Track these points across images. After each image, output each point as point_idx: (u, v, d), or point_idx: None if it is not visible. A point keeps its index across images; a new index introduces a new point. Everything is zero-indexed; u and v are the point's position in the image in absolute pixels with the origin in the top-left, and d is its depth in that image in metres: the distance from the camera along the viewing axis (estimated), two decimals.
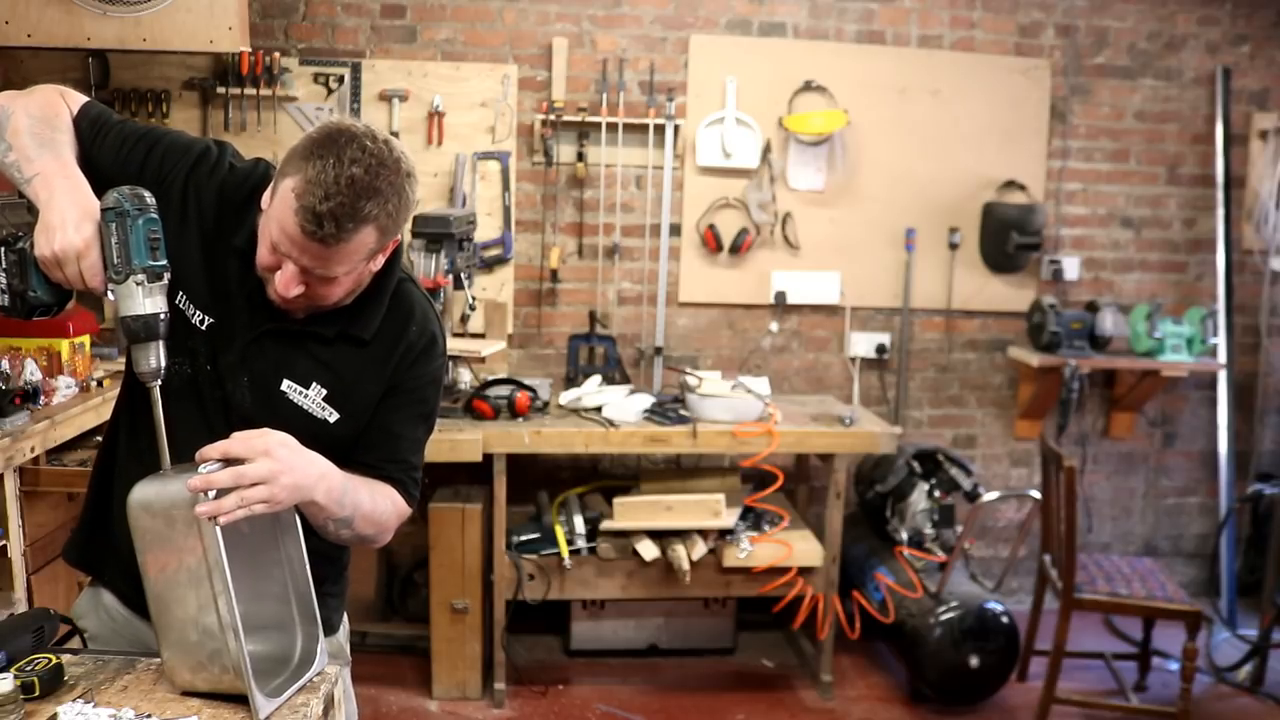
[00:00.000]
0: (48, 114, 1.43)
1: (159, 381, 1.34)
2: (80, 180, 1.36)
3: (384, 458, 1.55)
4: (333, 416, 1.50)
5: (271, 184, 1.38)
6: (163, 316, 1.32)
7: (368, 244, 1.36)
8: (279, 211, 1.34)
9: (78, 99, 1.49)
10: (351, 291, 1.46)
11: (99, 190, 1.35)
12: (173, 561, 1.27)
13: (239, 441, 1.30)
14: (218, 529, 1.23)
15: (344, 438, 1.52)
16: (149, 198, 1.32)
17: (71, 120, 1.45)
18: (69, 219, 1.30)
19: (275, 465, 1.30)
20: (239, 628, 1.23)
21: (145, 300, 1.30)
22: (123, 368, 1.77)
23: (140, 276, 1.30)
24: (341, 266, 1.37)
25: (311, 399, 1.49)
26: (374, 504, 1.50)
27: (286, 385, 1.48)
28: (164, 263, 1.32)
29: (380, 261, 1.46)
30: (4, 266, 1.34)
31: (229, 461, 1.29)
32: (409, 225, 3.59)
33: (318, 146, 1.32)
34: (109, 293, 1.32)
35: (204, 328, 1.45)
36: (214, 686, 1.29)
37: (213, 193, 1.47)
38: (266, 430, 1.34)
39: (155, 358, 1.33)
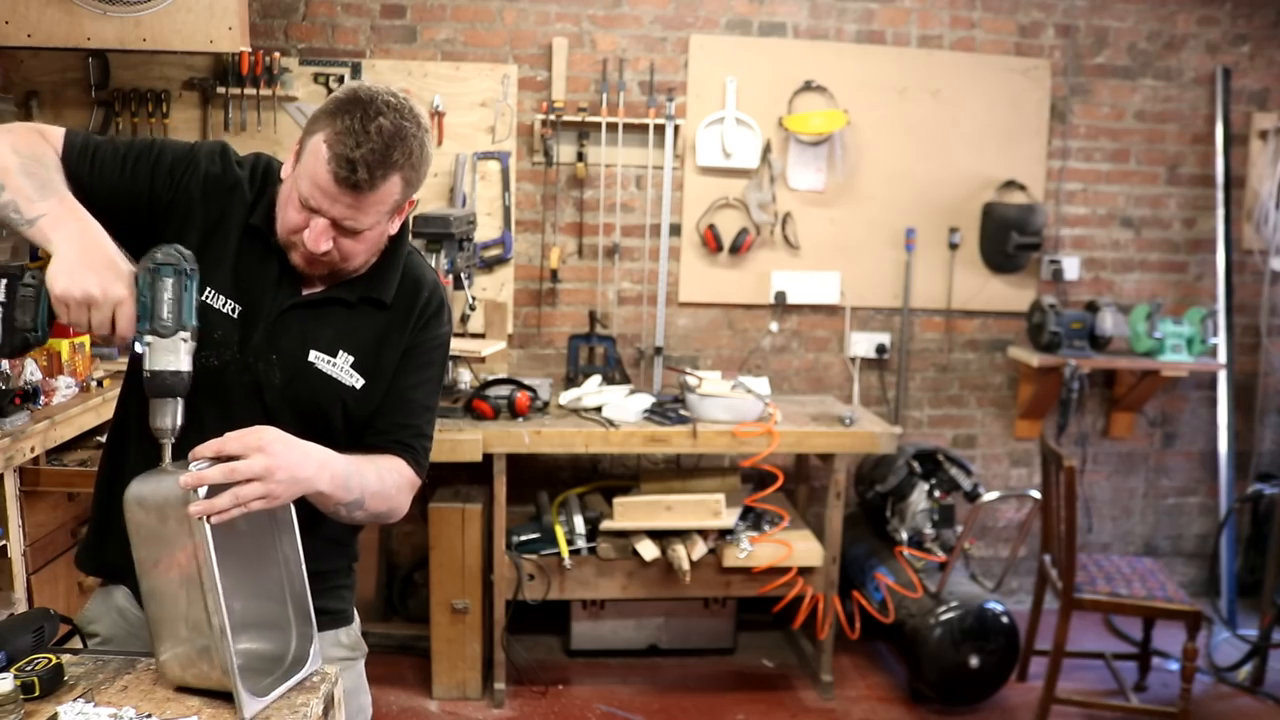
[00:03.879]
0: (35, 151, 1.42)
1: (172, 440, 1.34)
2: (94, 223, 1.36)
3: (396, 422, 1.58)
4: (359, 383, 1.54)
5: (296, 146, 1.44)
6: (190, 374, 1.34)
7: (394, 194, 1.43)
8: (310, 166, 1.39)
9: (56, 134, 1.47)
10: (371, 253, 1.51)
11: (108, 215, 1.38)
12: (165, 558, 1.27)
13: (233, 439, 1.31)
14: (208, 527, 1.23)
15: (369, 405, 1.55)
16: (194, 258, 1.35)
17: (59, 158, 1.44)
18: (101, 262, 1.31)
19: (269, 461, 1.30)
20: (225, 625, 1.23)
21: (184, 357, 1.33)
22: (123, 368, 1.77)
23: (186, 334, 1.32)
24: (369, 217, 1.42)
25: (339, 366, 1.52)
26: (382, 482, 1.51)
27: (314, 356, 1.51)
28: (197, 324, 1.35)
29: (397, 224, 1.52)
30: (6, 300, 1.34)
31: (225, 459, 1.29)
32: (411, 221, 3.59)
33: (344, 104, 1.40)
34: (138, 343, 1.33)
35: (235, 315, 1.48)
36: (203, 683, 1.29)
37: (233, 185, 1.50)
38: (261, 428, 1.34)
39: (174, 416, 1.34)
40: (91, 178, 1.44)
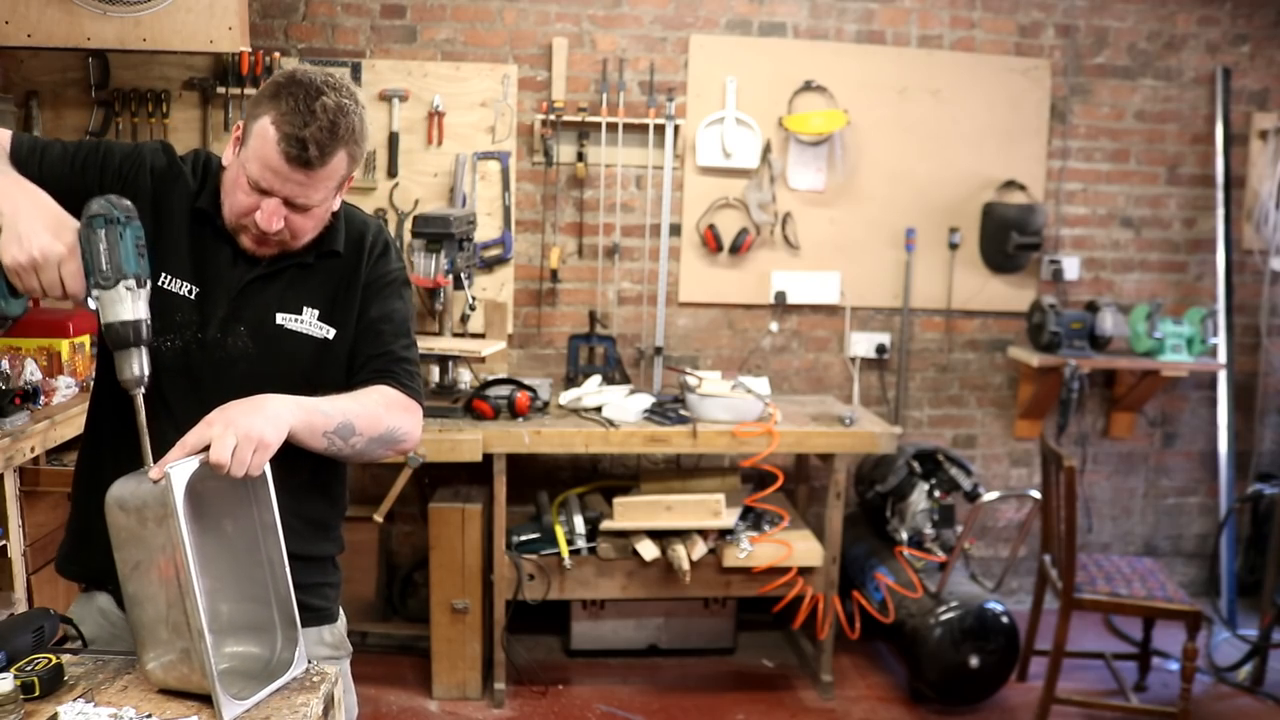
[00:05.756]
0: None
1: (142, 389, 1.34)
2: (40, 191, 1.38)
3: (369, 354, 1.61)
4: (330, 333, 1.59)
5: (239, 131, 1.49)
6: (147, 323, 1.34)
7: (341, 169, 1.49)
8: (258, 148, 1.43)
9: (2, 135, 1.49)
10: (318, 229, 1.58)
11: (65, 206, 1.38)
12: (145, 559, 1.27)
13: (189, 437, 1.31)
14: (185, 528, 1.22)
15: (345, 353, 1.60)
16: (132, 207, 1.35)
17: (7, 156, 1.46)
18: (42, 225, 1.32)
19: (227, 424, 1.31)
20: (203, 628, 1.23)
21: (134, 305, 1.33)
22: None
23: (130, 282, 1.32)
24: (319, 193, 1.48)
25: (307, 322, 1.58)
26: (361, 403, 1.54)
27: (281, 318, 1.56)
28: (148, 270, 1.35)
29: (339, 200, 1.60)
30: None
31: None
32: (409, 224, 3.60)
33: (285, 86, 1.44)
34: (90, 299, 1.33)
35: (193, 297, 1.52)
36: (185, 686, 1.28)
37: (177, 176, 1.55)
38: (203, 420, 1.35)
39: (139, 364, 1.34)
40: (41, 175, 1.46)
